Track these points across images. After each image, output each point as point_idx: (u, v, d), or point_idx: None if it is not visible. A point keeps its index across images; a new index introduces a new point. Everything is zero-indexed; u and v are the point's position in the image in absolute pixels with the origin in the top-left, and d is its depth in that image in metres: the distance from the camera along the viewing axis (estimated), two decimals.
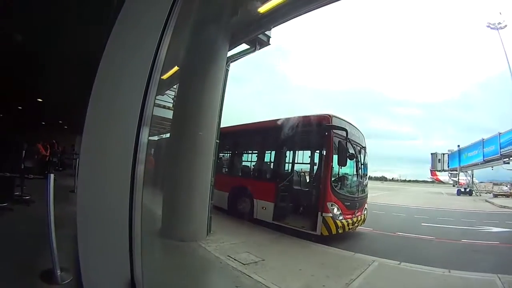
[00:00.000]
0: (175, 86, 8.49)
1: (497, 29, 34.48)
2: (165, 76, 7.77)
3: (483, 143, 33.52)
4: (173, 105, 7.73)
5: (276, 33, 7.72)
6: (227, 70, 7.18)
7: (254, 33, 7.11)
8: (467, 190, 38.00)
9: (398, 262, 5.70)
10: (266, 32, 7.40)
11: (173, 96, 9.71)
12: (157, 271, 3.52)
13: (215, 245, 5.82)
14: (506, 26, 34.65)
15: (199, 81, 6.22)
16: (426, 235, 9.38)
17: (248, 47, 7.60)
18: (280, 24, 6.70)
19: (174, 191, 6.09)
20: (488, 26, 35.43)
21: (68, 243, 2.32)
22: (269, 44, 7.75)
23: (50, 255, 3.30)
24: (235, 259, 5.02)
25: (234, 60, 7.71)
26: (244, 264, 4.83)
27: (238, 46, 7.47)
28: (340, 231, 7.08)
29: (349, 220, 7.45)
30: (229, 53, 7.24)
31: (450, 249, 8.06)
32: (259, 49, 7.68)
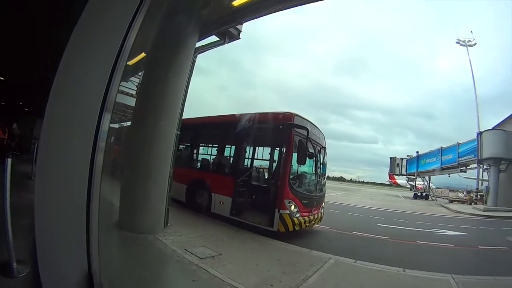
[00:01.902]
0: (140, 73, 8.13)
1: (466, 46, 37.24)
2: (131, 62, 7.42)
3: (441, 151, 36.07)
4: (136, 92, 7.39)
5: (247, 28, 7.65)
6: (194, 61, 7.01)
7: (225, 26, 7.01)
8: (424, 194, 40.69)
9: (354, 260, 5.88)
10: (237, 26, 7.30)
11: (137, 83, 9.31)
12: (115, 263, 3.40)
13: (172, 238, 5.71)
14: (475, 44, 37.51)
15: (164, 70, 6.02)
16: (381, 235, 9.76)
17: (218, 39, 7.47)
18: (252, 19, 6.70)
19: (132, 182, 5.87)
20: (458, 43, 38.17)
21: (24, 233, 2.14)
22: (239, 38, 7.67)
23: (5, 246, 3.06)
24: (192, 253, 4.95)
25: (202, 51, 7.57)
26: (201, 258, 4.77)
27: (208, 38, 7.36)
28: (296, 228, 7.20)
29: (306, 217, 7.59)
30: (198, 44, 7.08)
31: (405, 249, 8.43)
32: (229, 42, 7.59)
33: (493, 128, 28.98)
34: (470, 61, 36.08)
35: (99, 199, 1.75)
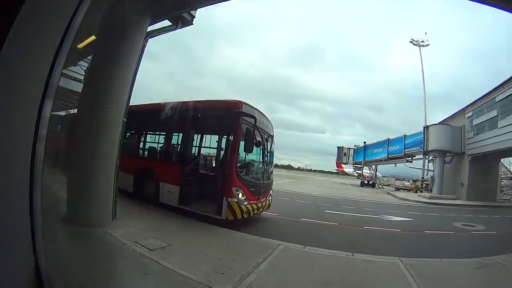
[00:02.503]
0: (89, 57, 7.51)
1: (419, 46, 39.98)
2: (81, 45, 6.85)
3: (388, 142, 38.76)
4: (84, 77, 6.83)
5: (201, 14, 7.54)
6: (144, 45, 6.66)
7: (179, 11, 6.75)
8: (370, 182, 43.40)
9: (303, 246, 6.09)
10: (191, 11, 7.10)
11: (85, 68, 8.58)
12: (64, 259, 3.16)
13: (121, 230, 5.50)
14: (428, 45, 40.40)
15: (113, 54, 5.69)
16: (329, 222, 10.19)
17: (170, 24, 7.16)
18: (207, 5, 6.60)
19: (79, 173, 5.52)
20: (411, 42, 40.84)
21: None
22: (192, 24, 7.43)
23: None
24: (142, 245, 4.83)
25: (154, 36, 7.20)
26: (151, 250, 4.68)
27: (160, 22, 7.01)
28: (245, 216, 7.30)
29: (254, 205, 7.70)
30: (150, 28, 6.74)
31: (353, 234, 8.85)
32: (181, 27, 7.32)
33: (439, 123, 31.37)
34: (421, 60, 39.28)
35: (42, 190, 1.62)
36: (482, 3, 3.70)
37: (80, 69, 9.29)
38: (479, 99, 25.78)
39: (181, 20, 7.15)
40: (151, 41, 7.16)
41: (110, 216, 5.88)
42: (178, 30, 7.35)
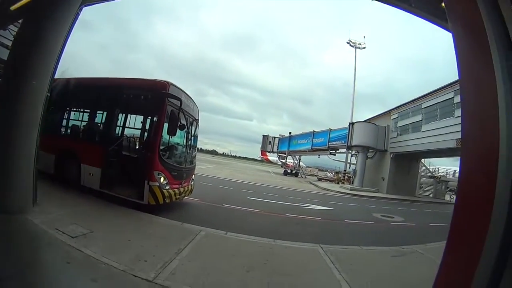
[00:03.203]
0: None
1: (356, 47, 42.48)
2: (14, 7, 5.87)
3: (313, 134, 40.97)
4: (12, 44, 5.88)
5: None
6: (78, 14, 6.05)
7: None
8: (294, 171, 45.53)
9: (225, 232, 6.29)
10: None
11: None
12: None
13: (42, 217, 5.13)
14: (365, 48, 43.11)
15: (43, 20, 5.09)
16: (251, 208, 10.54)
17: None
18: None
19: None
20: (348, 43, 43.21)
21: None
22: None
23: None
24: (63, 232, 4.61)
25: (89, 4, 6.58)
26: (73, 237, 4.50)
27: None
28: (167, 201, 7.29)
29: (176, 190, 7.71)
30: None
31: (275, 221, 9.20)
32: None
33: (365, 121, 34.07)
34: (355, 61, 42.26)
35: None
36: (424, 19, 3.96)
37: (9, 34, 7.98)
38: (406, 103, 28.83)
39: None
40: (86, 10, 6.53)
41: (30, 201, 5.38)
42: (116, 0, 6.87)
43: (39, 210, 5.43)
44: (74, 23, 5.96)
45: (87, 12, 6.91)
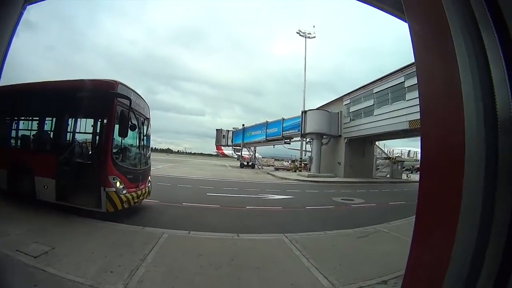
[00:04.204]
0: None
1: (305, 37, 42.97)
2: None
3: (267, 125, 41.30)
4: None
5: None
6: (21, 13, 5.58)
7: None
8: (250, 163, 45.63)
9: (187, 232, 6.31)
10: None
11: None
12: None
13: (1, 239, 4.85)
14: (314, 37, 43.69)
15: None
16: (211, 204, 10.56)
17: None
18: None
19: None
20: (298, 33, 43.60)
21: None
22: None
23: None
24: (25, 253, 4.40)
25: (33, 3, 6.07)
26: (35, 257, 4.32)
27: None
28: (125, 206, 7.15)
29: (133, 193, 7.56)
30: None
31: (236, 215, 9.31)
32: None
33: (317, 108, 34.86)
34: (305, 49, 42.97)
35: None
36: (377, 8, 3.83)
37: None
38: (358, 89, 29.79)
39: None
40: (30, 8, 6.01)
41: None
42: None
43: None
44: (18, 24, 5.48)
45: (32, 11, 6.39)
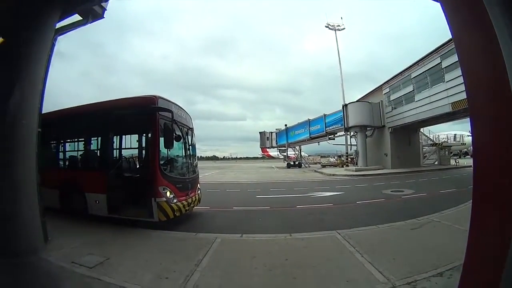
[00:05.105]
0: None
1: (335, 30, 42.25)
2: None
3: (309, 122, 40.87)
4: None
5: (112, 6, 7.06)
6: (53, 44, 5.97)
7: (89, 3, 6.31)
8: (297, 163, 45.50)
9: (240, 235, 6.27)
10: (102, 3, 6.64)
11: None
12: None
13: (56, 253, 5.07)
14: (344, 29, 42.88)
15: (20, 57, 5.03)
16: (261, 206, 10.49)
17: (81, 18, 6.57)
18: None
19: None
20: (327, 26, 42.92)
21: None
22: (103, 17, 6.92)
23: None
24: (80, 265, 4.55)
25: (63, 33, 6.50)
26: (91, 268, 4.44)
27: (69, 17, 6.33)
28: (177, 214, 7.24)
29: (184, 201, 7.64)
30: (58, 25, 6.06)
31: (287, 215, 9.16)
32: (92, 21, 6.78)
33: (358, 100, 33.94)
34: (337, 43, 42.01)
35: None
36: None
37: None
38: (395, 76, 28.66)
39: (92, 13, 6.63)
40: (60, 39, 6.45)
41: (41, 239, 5.32)
42: (88, 25, 6.78)
43: (51, 247, 5.37)
44: (51, 55, 5.89)
45: (62, 42, 6.84)
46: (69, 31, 6.57)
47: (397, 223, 6.82)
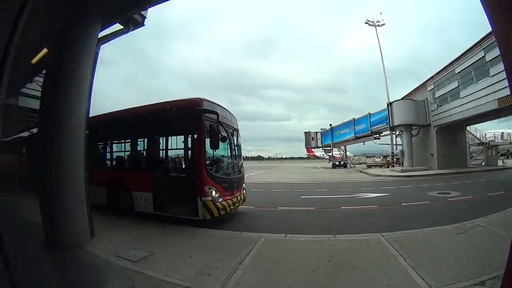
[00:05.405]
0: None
1: (375, 26, 40.96)
2: (34, 60, 6.43)
3: (354, 122, 39.88)
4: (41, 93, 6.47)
5: (152, 13, 7.37)
6: (97, 53, 6.34)
7: (129, 12, 6.56)
8: (342, 163, 44.60)
9: (284, 235, 6.17)
10: (141, 12, 6.91)
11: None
12: (47, 285, 2.97)
13: (102, 246, 5.34)
14: (384, 24, 41.48)
15: (65, 65, 5.40)
16: (307, 207, 10.39)
17: (122, 27, 6.92)
18: (156, 4, 6.46)
19: (48, 194, 5.24)
20: (367, 23, 41.73)
21: None
22: (144, 25, 7.24)
23: None
24: (125, 258, 4.70)
25: (106, 42, 6.88)
26: (134, 262, 4.57)
27: (111, 26, 6.73)
28: (222, 213, 7.30)
29: (229, 201, 7.70)
30: (100, 34, 6.44)
31: (331, 216, 9.01)
32: (133, 29, 7.11)
33: (402, 98, 32.73)
34: (378, 39, 40.44)
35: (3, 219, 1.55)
36: None
37: (36, 86, 8.69)
38: (439, 72, 27.15)
39: (132, 22, 6.95)
40: (103, 48, 6.84)
41: (88, 233, 5.67)
42: (129, 33, 7.10)
43: (97, 241, 5.65)
44: (96, 62, 6.27)
45: (105, 50, 7.24)
46: (111, 39, 6.94)
47: (442, 227, 6.53)
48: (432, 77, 28.47)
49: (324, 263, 4.59)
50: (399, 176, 23.46)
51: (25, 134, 11.47)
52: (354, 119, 40.35)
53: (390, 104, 31.08)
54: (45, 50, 6.35)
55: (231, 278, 4.05)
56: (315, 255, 4.94)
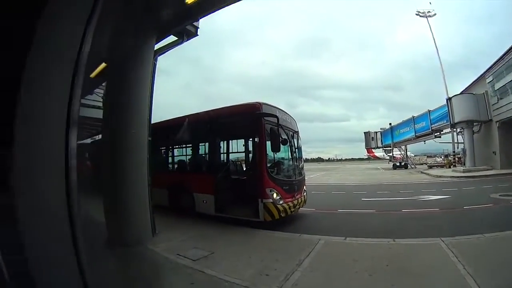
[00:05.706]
0: (104, 84, 7.84)
1: (426, 17, 38.33)
2: (93, 74, 7.13)
3: (414, 120, 37.54)
4: (103, 103, 7.18)
5: (204, 23, 7.57)
6: (154, 64, 6.81)
7: (182, 24, 6.87)
8: (403, 163, 42.14)
9: (344, 238, 6.00)
10: (194, 23, 7.20)
11: (102, 95, 8.98)
12: (111, 280, 3.24)
13: (163, 245, 5.64)
14: (435, 14, 38.66)
15: (126, 77, 5.88)
16: (367, 209, 10.04)
17: (176, 38, 7.30)
18: (207, 14, 6.58)
19: (113, 196, 5.72)
20: (417, 14, 39.18)
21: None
22: (197, 35, 7.54)
23: None
24: (185, 257, 4.90)
25: (162, 53, 7.36)
26: (194, 260, 4.74)
27: (166, 39, 7.15)
28: (282, 215, 7.25)
29: (290, 203, 7.63)
30: (156, 46, 6.89)
31: (391, 219, 8.65)
32: (187, 40, 7.44)
33: (461, 93, 29.96)
34: (431, 30, 37.42)
35: (80, 218, 1.67)
36: None
37: (96, 97, 9.63)
38: (497, 62, 24.43)
39: (186, 33, 7.27)
40: (160, 59, 7.32)
41: (150, 232, 6.06)
42: (184, 43, 7.46)
43: (159, 239, 5.98)
44: (155, 73, 6.73)
45: (162, 61, 7.73)
46: (167, 50, 7.40)
47: (504, 232, 6.06)
48: (490, 68, 25.60)
49: (383, 268, 4.48)
50: (460, 176, 21.95)
51: (88, 141, 12.69)
52: (413, 117, 38.09)
53: (449, 99, 28.66)
54: (103, 65, 6.96)
55: (289, 279, 4.03)
56: (374, 259, 4.84)
